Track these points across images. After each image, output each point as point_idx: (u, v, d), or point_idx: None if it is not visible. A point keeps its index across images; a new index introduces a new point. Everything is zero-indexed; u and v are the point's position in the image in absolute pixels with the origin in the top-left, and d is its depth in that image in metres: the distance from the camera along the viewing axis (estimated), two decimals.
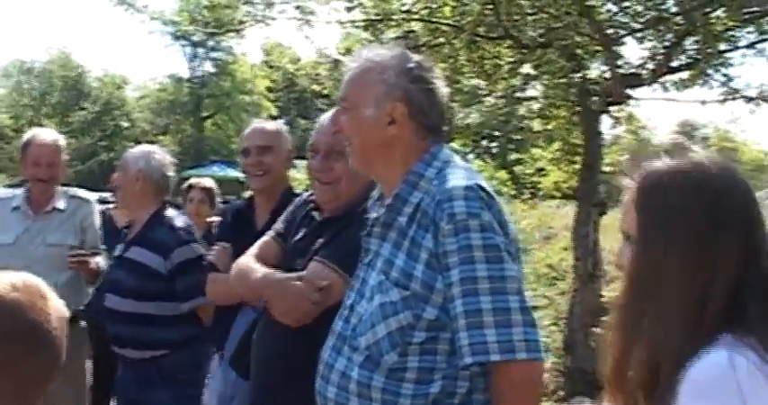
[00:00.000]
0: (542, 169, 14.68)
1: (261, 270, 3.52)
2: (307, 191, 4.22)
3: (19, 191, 5.67)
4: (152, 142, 49.66)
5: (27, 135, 5.62)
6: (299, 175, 23.67)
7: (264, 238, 3.80)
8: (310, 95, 52.47)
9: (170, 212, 5.10)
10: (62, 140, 5.59)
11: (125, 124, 52.83)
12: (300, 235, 3.62)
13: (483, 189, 2.63)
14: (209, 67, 55.08)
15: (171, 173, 5.14)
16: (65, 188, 5.69)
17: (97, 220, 5.76)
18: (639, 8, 8.48)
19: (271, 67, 50.32)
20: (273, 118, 53.27)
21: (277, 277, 3.39)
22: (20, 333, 2.00)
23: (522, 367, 2.51)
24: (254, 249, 3.74)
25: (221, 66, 54.31)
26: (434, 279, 2.59)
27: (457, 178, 2.66)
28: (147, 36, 68.49)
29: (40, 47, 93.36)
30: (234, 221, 4.61)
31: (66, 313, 2.15)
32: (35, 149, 5.45)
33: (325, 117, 3.61)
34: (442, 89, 2.89)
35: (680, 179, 1.99)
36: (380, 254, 2.78)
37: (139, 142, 49.08)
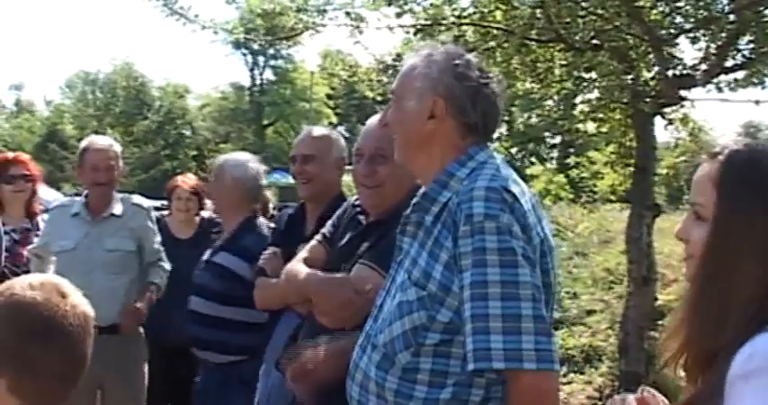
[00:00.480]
0: (599, 173, 14.55)
1: (305, 271, 3.58)
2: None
3: (78, 198, 5.81)
4: (214, 151, 50.39)
5: (84, 143, 5.76)
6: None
7: (312, 243, 3.82)
8: (371, 102, 52.52)
9: (260, 220, 5.22)
10: (117, 146, 5.72)
11: (187, 133, 53.46)
12: (346, 239, 3.64)
13: (507, 190, 2.57)
14: (269, 74, 55.56)
15: (264, 182, 5.26)
16: (122, 195, 5.81)
17: (154, 226, 5.87)
18: (690, 8, 8.39)
19: (331, 74, 50.56)
20: (333, 125, 53.78)
21: (319, 276, 3.45)
22: (36, 330, 2.08)
23: (533, 378, 2.43)
24: (302, 253, 3.78)
25: (281, 73, 54.69)
26: (451, 281, 2.54)
27: (483, 179, 2.61)
28: (207, 45, 69.21)
29: (104, 58, 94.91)
30: (286, 227, 4.64)
31: (90, 311, 2.20)
32: (92, 154, 5.58)
33: (370, 122, 3.62)
34: (494, 90, 2.84)
35: (763, 158, 1.95)
36: (409, 253, 2.76)
37: (201, 151, 49.47)
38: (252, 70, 55.31)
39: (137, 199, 5.94)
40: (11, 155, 6.25)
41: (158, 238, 5.87)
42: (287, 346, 3.91)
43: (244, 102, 54.74)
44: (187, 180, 6.86)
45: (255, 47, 52.33)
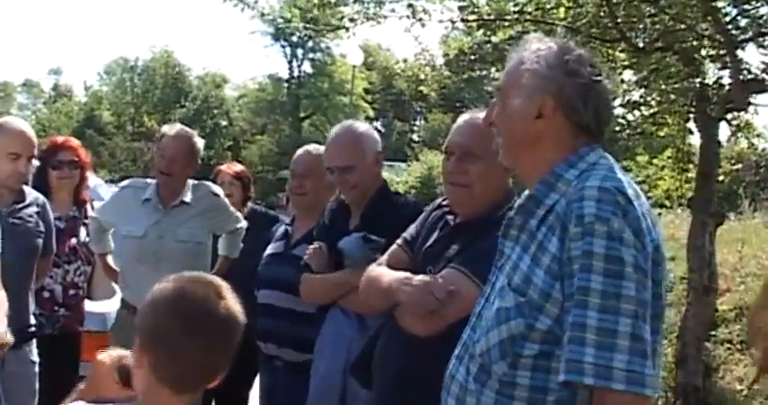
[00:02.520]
0: (648, 177, 14.30)
1: (392, 273, 3.44)
2: (408, 193, 4.13)
3: (151, 181, 5.69)
4: (250, 142, 50.45)
5: (162, 129, 5.71)
6: (397, 178, 23.46)
7: (393, 247, 3.71)
8: (408, 98, 52.66)
9: None
10: (196, 139, 5.60)
11: (224, 123, 53.65)
12: (432, 240, 3.50)
13: (621, 192, 2.38)
14: (307, 67, 55.59)
15: None
16: (195, 182, 5.68)
17: (227, 205, 5.77)
18: (763, 11, 8.15)
19: (369, 68, 50.49)
20: (370, 119, 53.70)
21: (407, 279, 3.29)
22: (187, 320, 2.25)
23: (619, 400, 2.24)
24: (383, 258, 3.68)
25: (320, 67, 54.71)
26: (551, 286, 2.38)
27: (595, 178, 2.43)
28: (247, 36, 69.39)
29: (144, 45, 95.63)
30: (330, 222, 4.50)
31: (243, 320, 2.36)
32: (164, 141, 5.50)
33: (463, 118, 3.52)
34: (607, 87, 2.66)
35: None
36: (511, 257, 2.59)
37: (237, 141, 49.93)
38: (290, 62, 55.26)
39: (206, 184, 5.81)
40: (60, 139, 6.04)
41: (233, 211, 5.78)
42: (363, 352, 3.76)
43: (281, 94, 54.69)
44: (232, 165, 6.70)
45: (294, 39, 52.40)
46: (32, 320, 4.98)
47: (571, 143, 2.59)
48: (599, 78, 2.61)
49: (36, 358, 4.97)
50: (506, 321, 2.45)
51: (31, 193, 5.10)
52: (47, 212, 5.15)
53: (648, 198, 15.83)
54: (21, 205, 4.97)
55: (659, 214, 15.51)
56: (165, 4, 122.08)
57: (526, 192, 2.73)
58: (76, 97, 60.29)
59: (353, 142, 4.39)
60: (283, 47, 54.50)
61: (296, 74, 55.39)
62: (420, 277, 3.26)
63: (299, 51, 55.15)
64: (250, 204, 6.64)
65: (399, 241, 3.70)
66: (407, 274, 3.35)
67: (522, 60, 2.66)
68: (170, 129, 5.58)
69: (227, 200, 5.80)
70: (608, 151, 2.66)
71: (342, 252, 4.17)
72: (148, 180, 5.77)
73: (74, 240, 5.74)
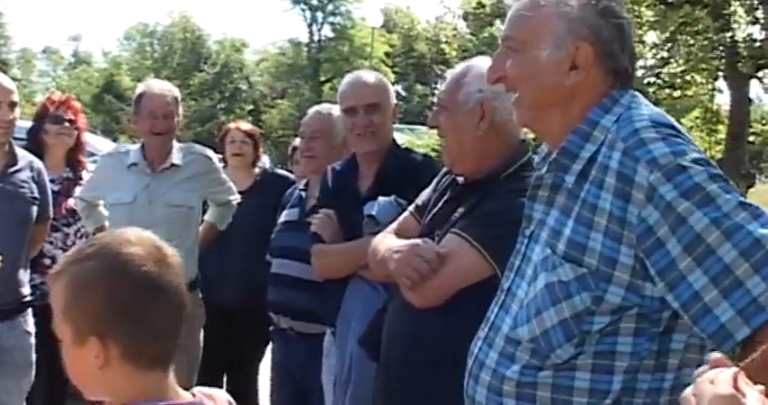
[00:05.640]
0: None
1: (389, 242, 3.18)
2: (428, 156, 4.15)
3: (134, 146, 5.31)
4: (270, 106, 50.40)
5: (140, 87, 5.23)
6: (418, 141, 23.33)
7: (404, 214, 3.44)
8: (428, 61, 52.30)
9: None
10: (176, 91, 5.20)
11: (244, 87, 53.69)
12: (441, 202, 3.22)
13: (672, 125, 2.12)
14: (327, 31, 55.50)
15: None
16: (181, 144, 5.32)
17: (220, 170, 5.40)
18: None
19: (390, 31, 50.16)
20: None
21: (397, 244, 3.06)
22: (145, 287, 1.92)
23: None
24: (391, 227, 3.41)
25: (340, 30, 54.61)
26: (616, 251, 2.03)
27: (641, 119, 2.10)
28: (266, 0, 69.27)
29: (162, 11, 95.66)
30: (335, 186, 4.15)
31: (182, 266, 2.06)
32: (150, 100, 5.04)
33: (452, 71, 3.23)
34: (631, 24, 2.29)
35: None
36: (546, 223, 2.24)
37: (257, 105, 50.09)
38: (310, 26, 55.24)
39: (198, 147, 5.43)
40: (61, 97, 5.64)
41: (227, 181, 5.39)
42: (371, 324, 3.49)
43: (301, 58, 54.65)
44: (241, 124, 6.30)
45: (314, 2, 52.17)
46: (27, 291, 4.71)
47: (605, 92, 2.23)
48: (627, 17, 2.27)
49: (32, 329, 4.70)
50: (567, 298, 2.11)
51: (25, 157, 4.79)
52: (42, 177, 4.84)
53: None
54: (12, 169, 4.68)
55: None
56: None
57: (543, 146, 2.42)
58: (96, 63, 60.17)
59: (379, 81, 4.13)
60: (303, 10, 54.51)
61: (316, 38, 55.37)
62: (409, 241, 3.01)
63: (319, 15, 55.12)
64: (261, 165, 6.31)
65: (411, 208, 3.42)
66: (403, 242, 3.08)
67: (537, 2, 2.25)
68: (149, 87, 5.15)
69: (219, 165, 5.45)
70: None
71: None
72: (128, 146, 5.43)
73: (71, 201, 5.42)
